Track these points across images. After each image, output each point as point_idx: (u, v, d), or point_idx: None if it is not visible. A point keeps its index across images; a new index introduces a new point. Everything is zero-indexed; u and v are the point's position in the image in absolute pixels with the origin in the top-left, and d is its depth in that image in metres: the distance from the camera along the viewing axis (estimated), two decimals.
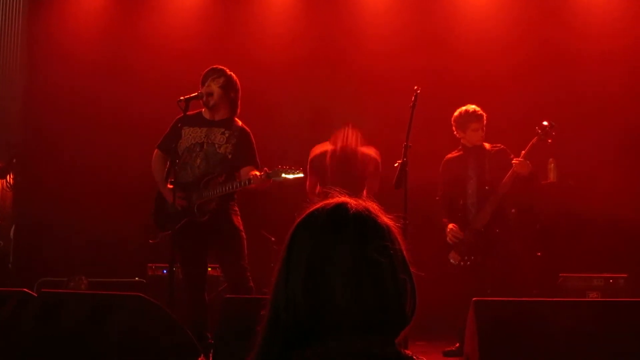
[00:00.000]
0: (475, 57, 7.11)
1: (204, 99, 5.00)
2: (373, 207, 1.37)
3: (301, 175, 4.84)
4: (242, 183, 4.87)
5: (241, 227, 5.00)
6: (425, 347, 5.49)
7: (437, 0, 7.51)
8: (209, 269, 5.45)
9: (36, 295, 4.02)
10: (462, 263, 5.40)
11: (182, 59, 7.16)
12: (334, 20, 7.55)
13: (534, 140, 5.35)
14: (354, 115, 6.16)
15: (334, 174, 5.70)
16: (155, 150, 5.21)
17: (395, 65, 7.10)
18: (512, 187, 5.42)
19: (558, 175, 6.57)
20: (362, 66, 7.23)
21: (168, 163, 5.12)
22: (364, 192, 5.59)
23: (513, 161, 5.37)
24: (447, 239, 5.44)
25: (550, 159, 6.53)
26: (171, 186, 4.94)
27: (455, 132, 5.62)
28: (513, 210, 5.77)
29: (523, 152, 5.36)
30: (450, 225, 5.45)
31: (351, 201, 1.37)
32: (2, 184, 7.34)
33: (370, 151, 5.88)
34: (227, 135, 5.02)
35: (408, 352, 1.32)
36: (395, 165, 4.82)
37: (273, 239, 6.38)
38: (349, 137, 5.82)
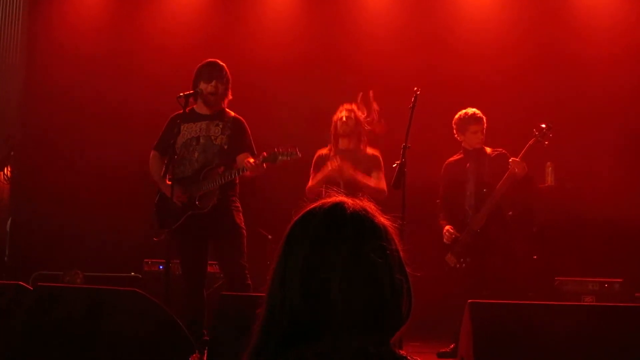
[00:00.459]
0: (475, 58, 7.11)
1: (206, 97, 4.99)
2: (370, 207, 1.38)
3: (298, 154, 4.80)
4: (237, 171, 4.86)
5: (242, 225, 5.00)
6: (420, 348, 5.49)
7: (437, 0, 7.51)
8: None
9: (31, 288, 4.02)
10: (458, 265, 5.42)
11: (181, 56, 7.14)
12: (334, 20, 7.55)
13: (531, 142, 5.37)
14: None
15: (344, 129, 5.53)
16: (152, 152, 5.18)
17: (395, 66, 7.10)
18: (510, 190, 5.43)
19: (556, 179, 6.58)
20: (362, 66, 7.22)
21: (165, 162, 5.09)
22: (372, 176, 5.46)
23: (510, 160, 5.38)
24: (444, 239, 5.46)
25: (548, 163, 6.53)
26: (170, 182, 4.93)
27: (456, 135, 5.64)
28: (510, 213, 5.77)
29: (520, 153, 5.37)
30: (447, 227, 5.46)
31: (348, 201, 1.37)
32: (0, 177, 7.33)
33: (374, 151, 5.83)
34: (221, 126, 5.02)
35: (402, 352, 1.32)
36: (394, 165, 4.81)
37: (270, 236, 6.38)
38: (372, 106, 5.64)
